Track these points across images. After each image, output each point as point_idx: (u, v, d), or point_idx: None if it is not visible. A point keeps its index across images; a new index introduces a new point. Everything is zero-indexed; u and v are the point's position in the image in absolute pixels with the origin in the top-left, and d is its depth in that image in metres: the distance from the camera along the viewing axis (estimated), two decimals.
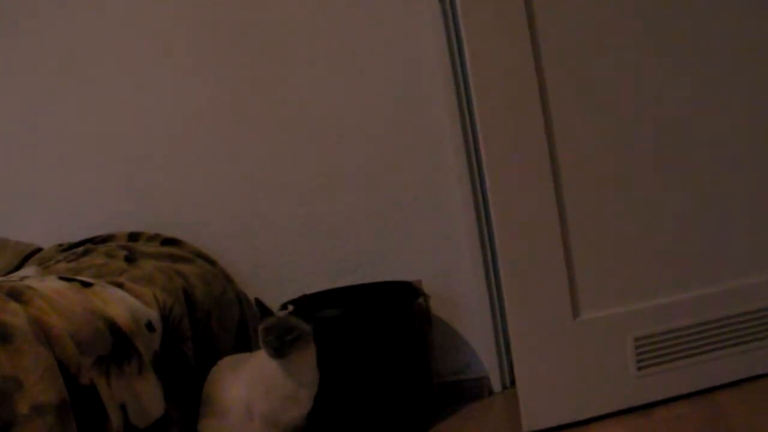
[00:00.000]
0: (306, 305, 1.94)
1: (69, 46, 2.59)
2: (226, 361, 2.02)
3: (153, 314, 1.91)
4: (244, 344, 2.31)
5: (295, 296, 2.38)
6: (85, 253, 2.28)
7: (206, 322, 2.16)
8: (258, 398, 1.88)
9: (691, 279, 2.02)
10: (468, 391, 2.39)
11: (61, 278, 1.88)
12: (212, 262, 2.45)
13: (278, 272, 2.50)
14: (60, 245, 2.46)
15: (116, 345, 1.74)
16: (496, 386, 2.40)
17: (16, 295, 1.67)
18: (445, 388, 2.40)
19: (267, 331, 1.86)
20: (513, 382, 2.34)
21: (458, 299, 2.40)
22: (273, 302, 2.40)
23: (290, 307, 2.31)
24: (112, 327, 1.75)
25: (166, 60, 2.53)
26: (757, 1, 1.98)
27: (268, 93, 2.47)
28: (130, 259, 2.20)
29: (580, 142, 1.98)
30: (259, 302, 1.93)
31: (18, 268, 2.35)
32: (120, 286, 1.94)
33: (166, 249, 2.37)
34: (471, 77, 1.94)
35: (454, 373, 2.42)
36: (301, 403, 1.89)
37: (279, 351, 1.84)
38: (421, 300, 2.36)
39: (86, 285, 1.86)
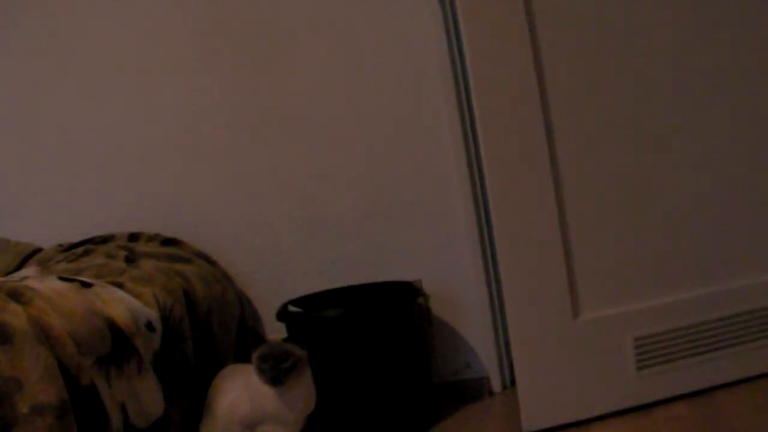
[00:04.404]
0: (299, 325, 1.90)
1: (70, 46, 2.59)
2: (229, 369, 2.03)
3: (153, 314, 1.91)
4: (244, 344, 2.31)
5: (295, 296, 2.39)
6: (85, 254, 2.28)
7: (206, 322, 2.16)
8: (241, 402, 1.88)
9: (691, 279, 2.02)
10: (468, 391, 2.39)
11: (61, 278, 1.88)
12: (212, 262, 2.45)
13: (278, 272, 2.50)
14: (60, 245, 2.46)
15: (116, 345, 1.74)
16: (496, 386, 2.40)
17: (16, 295, 1.67)
18: (445, 388, 2.40)
19: (262, 359, 1.83)
20: (513, 382, 2.34)
21: (458, 299, 2.40)
22: (273, 302, 2.42)
23: (291, 308, 2.31)
24: (112, 327, 1.75)
25: (166, 60, 2.53)
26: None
27: (268, 94, 2.47)
28: (130, 259, 2.20)
29: (580, 142, 1.98)
30: (253, 331, 1.91)
31: (18, 268, 2.35)
32: (120, 286, 1.94)
33: (166, 249, 2.37)
34: (471, 78, 1.93)
35: (454, 373, 2.42)
36: (289, 425, 1.89)
37: (276, 379, 1.81)
38: (421, 300, 2.36)
39: (86, 285, 1.86)
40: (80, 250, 2.32)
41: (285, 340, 1.89)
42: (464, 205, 2.35)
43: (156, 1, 2.51)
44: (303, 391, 1.89)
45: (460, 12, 1.92)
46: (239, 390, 1.90)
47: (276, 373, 1.81)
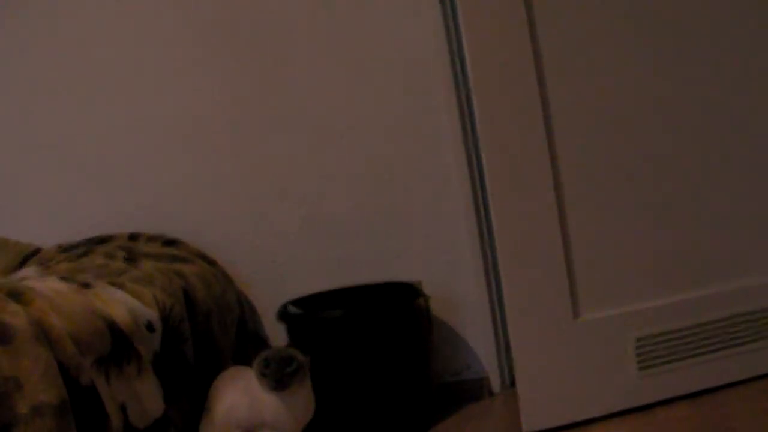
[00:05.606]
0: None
1: (70, 46, 2.59)
2: (231, 371, 2.02)
3: (153, 315, 1.91)
4: (244, 345, 2.31)
5: (296, 297, 2.38)
6: (85, 254, 2.28)
7: (206, 322, 2.16)
8: (240, 406, 1.87)
9: (691, 279, 2.02)
10: (468, 391, 2.39)
11: (62, 279, 1.88)
12: (212, 263, 2.44)
13: (278, 272, 2.49)
14: (60, 245, 2.46)
15: (116, 345, 1.74)
16: (496, 387, 2.39)
17: (16, 295, 1.66)
18: (445, 388, 2.40)
19: (265, 363, 1.82)
20: (513, 383, 2.34)
21: (458, 300, 2.40)
22: (273, 303, 2.41)
23: (291, 308, 2.31)
24: (112, 327, 1.75)
25: (166, 60, 2.53)
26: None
27: (268, 93, 2.47)
28: (130, 259, 2.20)
29: (580, 142, 1.98)
30: (254, 334, 1.89)
31: (18, 268, 2.35)
32: (120, 286, 1.94)
33: (165, 249, 2.37)
34: (471, 77, 1.93)
35: (454, 373, 2.42)
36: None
37: (279, 383, 1.80)
38: (421, 301, 2.36)
39: (86, 285, 1.86)
40: (80, 250, 2.32)
41: (287, 346, 1.88)
42: (464, 206, 2.34)
43: (156, 2, 2.51)
44: (303, 399, 1.88)
45: (460, 11, 1.92)
46: (239, 394, 1.89)
47: (279, 377, 1.80)
